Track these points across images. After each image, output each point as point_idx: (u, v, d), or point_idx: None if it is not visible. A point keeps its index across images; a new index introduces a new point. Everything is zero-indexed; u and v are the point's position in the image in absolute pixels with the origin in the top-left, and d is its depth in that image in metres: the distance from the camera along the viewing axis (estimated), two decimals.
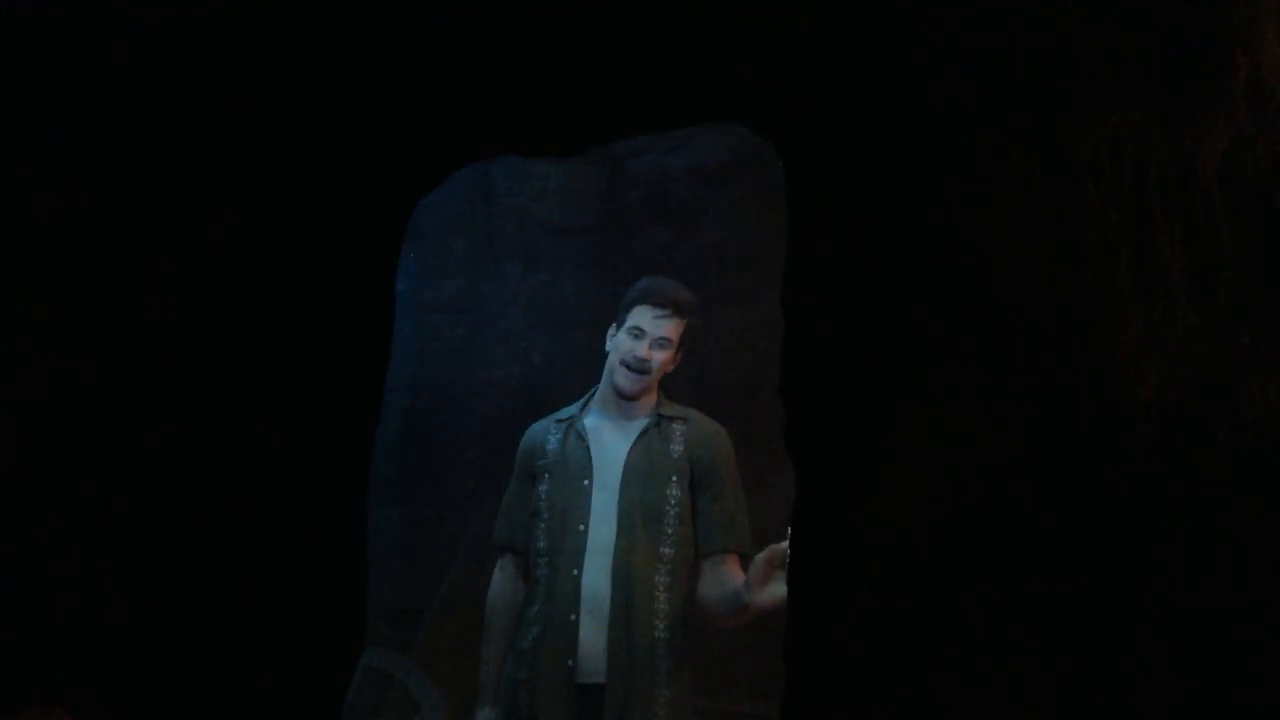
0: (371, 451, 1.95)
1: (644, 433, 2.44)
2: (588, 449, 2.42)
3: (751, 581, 2.23)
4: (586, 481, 2.39)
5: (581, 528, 2.36)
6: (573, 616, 2.32)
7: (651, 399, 2.48)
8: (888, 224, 1.65)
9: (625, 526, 2.36)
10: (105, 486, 1.63)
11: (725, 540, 2.39)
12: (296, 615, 1.74)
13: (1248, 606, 1.41)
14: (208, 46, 1.70)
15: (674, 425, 2.45)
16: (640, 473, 2.40)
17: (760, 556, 2.22)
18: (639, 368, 2.42)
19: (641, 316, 2.45)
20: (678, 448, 2.42)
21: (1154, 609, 1.44)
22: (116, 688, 1.59)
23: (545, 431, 2.50)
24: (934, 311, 1.59)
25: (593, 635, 2.31)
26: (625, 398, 2.44)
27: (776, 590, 2.14)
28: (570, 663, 2.29)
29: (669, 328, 2.45)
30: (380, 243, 1.95)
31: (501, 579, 2.46)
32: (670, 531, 2.36)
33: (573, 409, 2.53)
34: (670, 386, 3.60)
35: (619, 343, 2.47)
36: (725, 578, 2.33)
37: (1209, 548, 1.43)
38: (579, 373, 3.58)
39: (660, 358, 2.45)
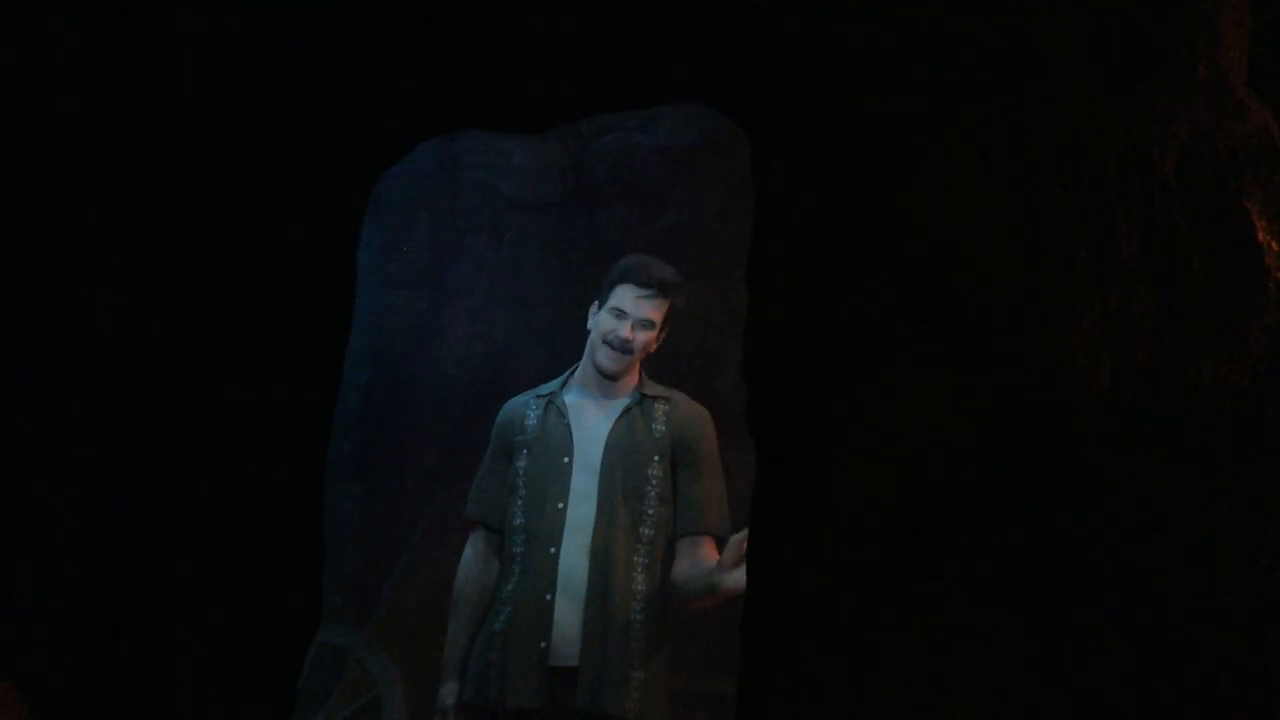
0: (329, 427, 1.93)
1: (626, 411, 2.40)
2: (569, 426, 2.38)
3: (724, 563, 2.21)
4: (567, 459, 2.35)
5: (560, 505, 2.32)
6: (548, 596, 2.28)
7: (633, 379, 2.45)
8: (852, 209, 1.66)
9: (605, 505, 2.32)
10: (61, 459, 1.61)
11: (702, 522, 2.36)
12: (252, 591, 1.73)
13: (1196, 587, 1.45)
14: (171, 20, 1.66)
15: (656, 405, 2.42)
16: (622, 451, 2.36)
17: (735, 538, 2.20)
18: (622, 348, 2.38)
19: (624, 297, 2.40)
20: (660, 427, 2.39)
21: (1106, 590, 1.47)
22: (69, 665, 1.57)
23: (524, 407, 2.46)
24: (895, 296, 1.61)
25: (568, 616, 2.27)
26: (607, 376, 2.41)
27: (745, 574, 2.13)
28: (544, 644, 2.25)
29: (651, 309, 2.41)
30: (341, 216, 1.92)
31: (472, 554, 2.42)
32: (650, 512, 2.33)
33: (553, 385, 2.49)
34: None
35: (600, 321, 2.42)
36: (700, 559, 2.31)
37: (1160, 530, 1.47)
38: (541, 350, 3.56)
39: (643, 339, 2.41)
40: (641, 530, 2.33)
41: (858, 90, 1.66)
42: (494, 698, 2.28)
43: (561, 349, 3.59)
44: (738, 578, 2.15)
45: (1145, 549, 1.47)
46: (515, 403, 2.49)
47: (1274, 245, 1.49)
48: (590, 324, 2.46)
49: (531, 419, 2.41)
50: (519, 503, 2.34)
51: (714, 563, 2.25)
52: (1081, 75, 1.56)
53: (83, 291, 1.63)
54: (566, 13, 1.79)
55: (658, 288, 2.41)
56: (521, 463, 2.37)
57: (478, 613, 2.37)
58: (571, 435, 2.37)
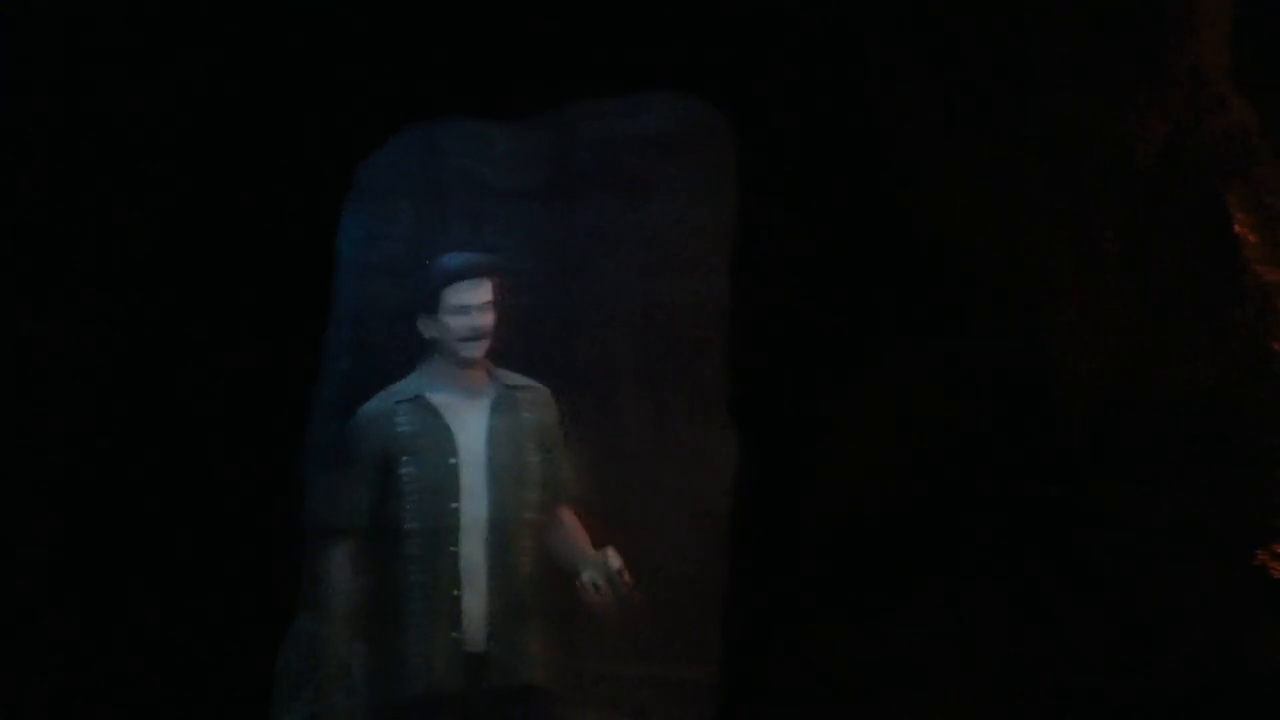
0: (308, 414, 1.92)
1: (498, 404, 2.52)
2: (448, 427, 2.48)
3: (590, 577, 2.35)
4: (453, 459, 2.46)
5: (454, 505, 2.44)
6: (455, 592, 2.41)
7: (484, 365, 2.56)
8: (837, 199, 1.67)
9: (496, 498, 2.47)
10: (35, 447, 1.59)
11: (566, 493, 2.54)
12: (229, 579, 1.72)
13: (1172, 573, 1.46)
14: (152, 5, 1.65)
15: (520, 394, 2.56)
16: (503, 445, 2.50)
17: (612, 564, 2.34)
18: (480, 335, 2.50)
19: (458, 295, 2.52)
20: (528, 415, 2.55)
21: (1084, 576, 1.49)
22: (44, 652, 1.56)
23: (389, 413, 2.53)
24: (878, 287, 1.61)
25: (474, 607, 2.43)
26: (469, 367, 2.51)
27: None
28: (455, 635, 2.39)
29: (486, 291, 2.54)
30: (323, 203, 1.91)
31: (337, 564, 2.48)
32: (533, 497, 2.50)
33: (410, 388, 2.57)
34: (616, 355, 3.58)
35: (446, 326, 2.53)
36: (567, 534, 2.49)
37: (1138, 516, 1.48)
38: (523, 339, 3.56)
39: (491, 319, 2.53)
40: (527, 515, 2.50)
41: (843, 83, 1.66)
42: (417, 688, 2.38)
43: (545, 338, 3.56)
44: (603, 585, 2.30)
45: (1123, 536, 1.48)
46: (374, 411, 2.58)
47: (1251, 237, 1.50)
48: (429, 333, 2.55)
49: (403, 425, 2.50)
50: (408, 507, 2.45)
51: (580, 543, 2.45)
52: (1064, 68, 1.56)
53: (57, 279, 1.61)
54: None
55: (482, 271, 2.54)
56: (405, 468, 2.47)
57: (351, 620, 2.46)
58: (454, 436, 2.48)
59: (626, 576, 2.34)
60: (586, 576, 2.34)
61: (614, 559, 2.36)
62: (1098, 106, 1.55)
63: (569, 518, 2.56)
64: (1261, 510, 1.46)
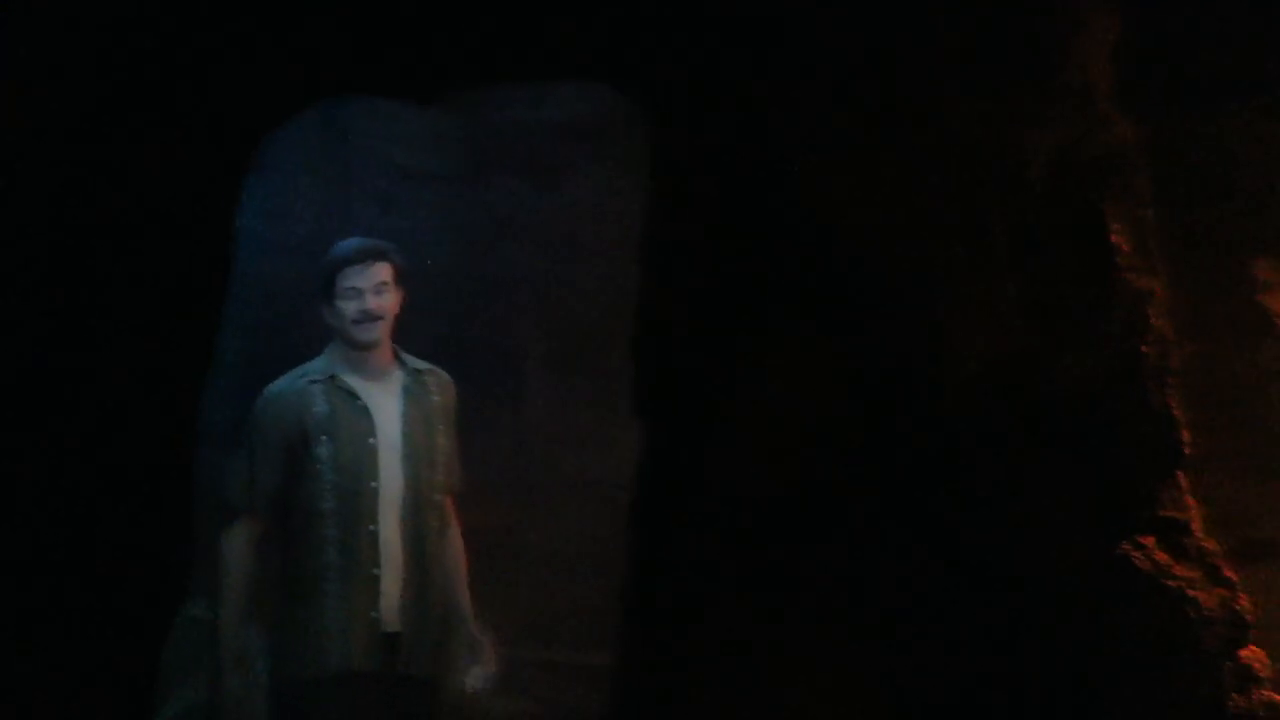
0: (201, 395, 1.87)
1: (410, 387, 2.54)
2: (366, 408, 2.48)
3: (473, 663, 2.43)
4: (372, 440, 2.46)
5: (373, 485, 2.45)
6: (375, 570, 2.41)
7: (389, 349, 2.57)
8: (741, 194, 1.70)
9: (410, 479, 2.49)
10: None
11: (454, 484, 2.59)
12: (116, 562, 1.67)
13: (1047, 559, 1.54)
14: None
15: (427, 378, 2.59)
16: (417, 426, 2.53)
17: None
18: (372, 317, 2.50)
19: (349, 279, 2.51)
20: (435, 398, 2.58)
21: (963, 558, 1.56)
22: None
23: (304, 394, 2.50)
24: (779, 283, 1.66)
25: (391, 587, 2.44)
26: (367, 349, 2.51)
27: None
28: (374, 614, 2.39)
29: (379, 272, 2.54)
30: (223, 177, 1.86)
31: (241, 545, 2.45)
32: (440, 479, 2.54)
33: (321, 368, 2.55)
34: (522, 339, 3.58)
35: (340, 310, 2.52)
36: (457, 563, 2.54)
37: (1013, 505, 1.56)
38: (430, 320, 3.52)
39: (386, 302, 2.53)
40: (435, 497, 2.54)
41: (751, 83, 1.69)
42: (336, 667, 2.36)
43: (452, 319, 3.54)
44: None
45: (999, 524, 1.56)
46: (287, 390, 2.54)
47: (1125, 247, 1.59)
48: (330, 320, 2.55)
49: (321, 405, 2.48)
50: (326, 487, 2.44)
51: (463, 592, 2.51)
52: (960, 78, 1.63)
53: None
54: None
55: (373, 255, 2.54)
56: (321, 449, 2.45)
57: (247, 603, 2.45)
58: (372, 416, 2.49)
59: (491, 674, 2.40)
60: (469, 684, 2.39)
61: (490, 662, 2.40)
62: (992, 121, 1.62)
63: (452, 508, 2.60)
64: (1127, 503, 1.55)
